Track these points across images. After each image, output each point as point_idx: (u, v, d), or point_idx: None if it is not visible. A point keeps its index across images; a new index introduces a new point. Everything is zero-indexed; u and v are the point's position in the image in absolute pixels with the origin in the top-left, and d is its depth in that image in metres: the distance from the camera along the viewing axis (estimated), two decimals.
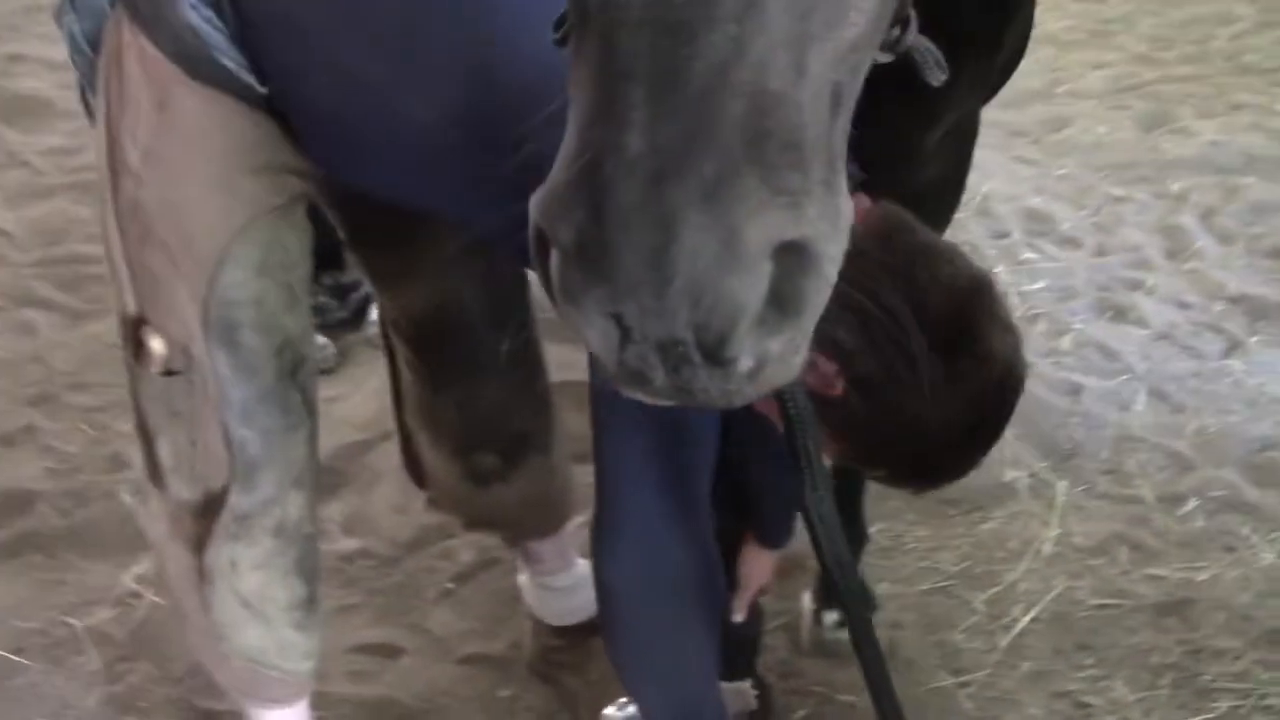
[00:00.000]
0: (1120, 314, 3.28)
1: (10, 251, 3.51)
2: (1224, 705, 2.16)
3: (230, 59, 1.36)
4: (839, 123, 0.77)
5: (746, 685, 1.97)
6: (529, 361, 1.86)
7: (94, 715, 2.10)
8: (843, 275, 0.80)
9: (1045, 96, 4.59)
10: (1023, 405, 2.84)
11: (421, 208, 1.46)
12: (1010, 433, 2.76)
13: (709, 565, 1.37)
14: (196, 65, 1.36)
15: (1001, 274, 3.45)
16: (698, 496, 1.33)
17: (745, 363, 0.76)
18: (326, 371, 3.01)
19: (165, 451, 1.53)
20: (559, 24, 0.81)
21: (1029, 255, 3.56)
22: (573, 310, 0.76)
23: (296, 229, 1.52)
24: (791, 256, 0.73)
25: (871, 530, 2.52)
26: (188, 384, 1.46)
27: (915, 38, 0.90)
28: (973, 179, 3.88)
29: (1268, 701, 2.16)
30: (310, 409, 1.57)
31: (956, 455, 1.32)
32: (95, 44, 1.42)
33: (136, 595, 2.31)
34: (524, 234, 0.78)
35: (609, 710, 1.63)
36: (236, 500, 1.52)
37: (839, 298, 0.81)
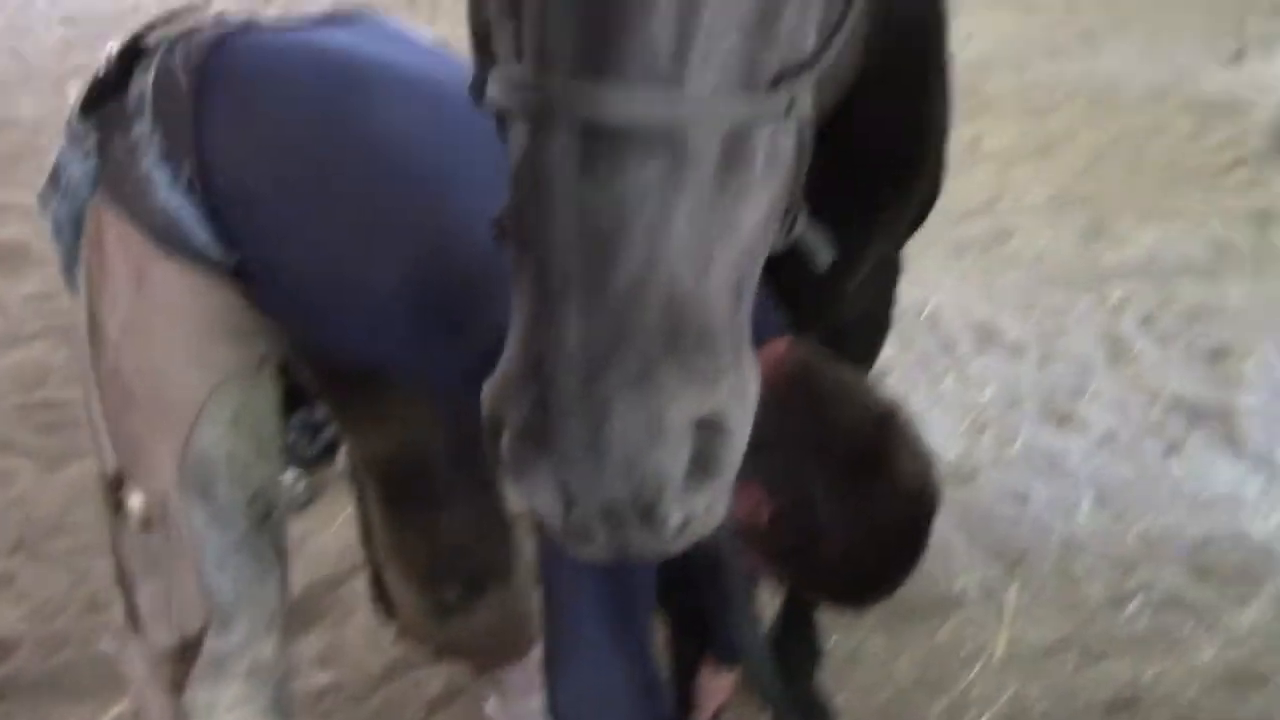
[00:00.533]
0: (1065, 420, 3.41)
1: None
2: None
3: (200, 236, 1.48)
4: (742, 307, 0.91)
5: None
6: (491, 494, 1.96)
7: None
8: (759, 419, 0.95)
9: (989, 211, 4.78)
10: (972, 513, 2.98)
11: (382, 364, 1.58)
12: (960, 540, 2.89)
13: (652, 682, 1.45)
14: (171, 242, 1.48)
15: (950, 384, 3.60)
16: (640, 617, 1.42)
17: (674, 520, 0.89)
18: (299, 507, 3.12)
19: (144, 599, 1.62)
20: (497, 221, 0.94)
21: (977, 366, 3.70)
22: (523, 483, 0.89)
23: (265, 387, 1.64)
24: (708, 429, 0.87)
25: (831, 640, 2.63)
26: (165, 537, 1.56)
27: (802, 228, 1.02)
28: (921, 292, 4.10)
29: None
30: (280, 555, 1.67)
31: (883, 575, 1.42)
32: (76, 225, 1.55)
33: None
34: (479, 387, 0.91)
35: None
36: (212, 644, 1.60)
37: (757, 438, 0.95)
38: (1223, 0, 7.25)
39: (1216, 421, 3.37)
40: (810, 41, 0.93)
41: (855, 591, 1.42)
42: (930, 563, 2.79)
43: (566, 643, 1.40)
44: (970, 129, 5.56)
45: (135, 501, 1.54)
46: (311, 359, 1.73)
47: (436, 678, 2.53)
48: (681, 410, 0.85)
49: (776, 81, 0.89)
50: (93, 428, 1.59)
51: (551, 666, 1.41)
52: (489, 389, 0.91)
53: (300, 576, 2.84)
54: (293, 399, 3.04)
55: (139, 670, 1.69)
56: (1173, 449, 3.26)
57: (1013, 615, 2.69)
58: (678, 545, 0.93)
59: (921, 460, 1.38)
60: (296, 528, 3.03)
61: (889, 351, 3.74)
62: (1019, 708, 2.45)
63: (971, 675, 2.53)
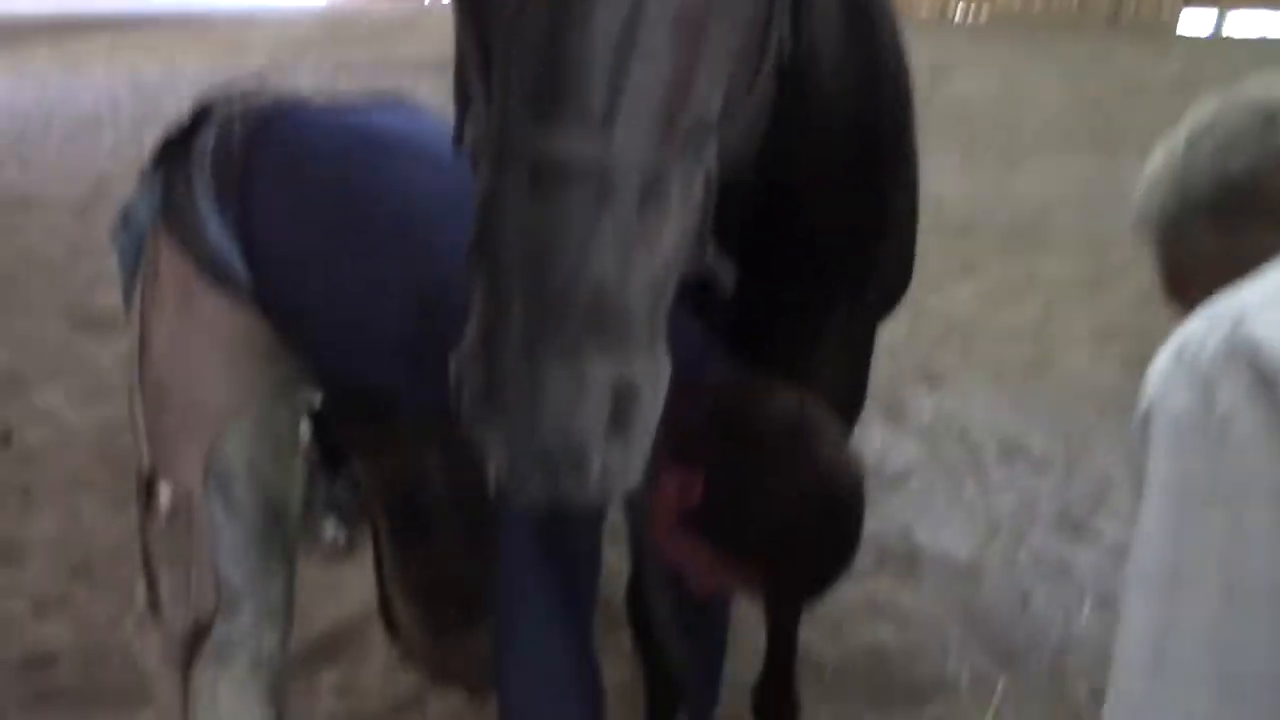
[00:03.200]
0: (1078, 531, 3.51)
1: (70, 444, 3.90)
2: None
3: (239, 268, 1.72)
4: (658, 310, 1.15)
5: None
6: (488, 530, 2.15)
7: None
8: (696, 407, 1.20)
9: (1033, 338, 4.93)
10: (971, 606, 3.08)
11: (383, 389, 1.80)
12: (957, 630, 3.00)
13: (594, 680, 1.61)
14: (215, 272, 1.73)
15: (970, 491, 3.72)
16: (583, 619, 1.59)
17: (596, 468, 1.13)
18: (336, 555, 3.33)
19: (165, 585, 1.83)
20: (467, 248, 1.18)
21: (998, 476, 3.82)
22: (478, 431, 1.15)
23: (288, 407, 1.86)
24: (623, 393, 1.11)
25: (819, 714, 2.74)
26: (188, 526, 1.78)
27: (711, 258, 1.23)
28: (953, 404, 4.23)
29: None
30: (288, 557, 1.87)
31: (816, 563, 1.52)
32: (136, 253, 1.80)
33: None
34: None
35: None
36: (219, 629, 1.80)
37: (687, 429, 1.17)
38: None
39: None
40: (716, 106, 1.16)
41: (792, 580, 1.53)
42: (922, 648, 2.93)
43: (514, 631, 1.57)
44: (1027, 261, 5.75)
45: (164, 495, 1.76)
46: (327, 384, 1.96)
47: (443, 713, 2.69)
48: (600, 374, 1.09)
49: (688, 135, 1.12)
50: (134, 430, 1.83)
51: (501, 653, 1.58)
52: (455, 359, 1.16)
53: (330, 614, 3.06)
54: (339, 459, 3.29)
55: (154, 651, 1.89)
56: None
57: (999, 703, 2.77)
58: (601, 494, 1.16)
59: (838, 446, 1.52)
60: (332, 572, 3.25)
61: (914, 454, 3.92)
62: None
63: None
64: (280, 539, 1.84)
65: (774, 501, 1.47)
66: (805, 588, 1.59)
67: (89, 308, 5.08)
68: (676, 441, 1.41)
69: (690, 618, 2.09)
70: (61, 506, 3.53)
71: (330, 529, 3.36)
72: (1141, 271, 4.85)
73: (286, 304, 1.74)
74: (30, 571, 3.24)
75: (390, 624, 2.31)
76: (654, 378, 1.15)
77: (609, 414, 1.10)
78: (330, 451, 3.37)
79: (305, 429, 3.39)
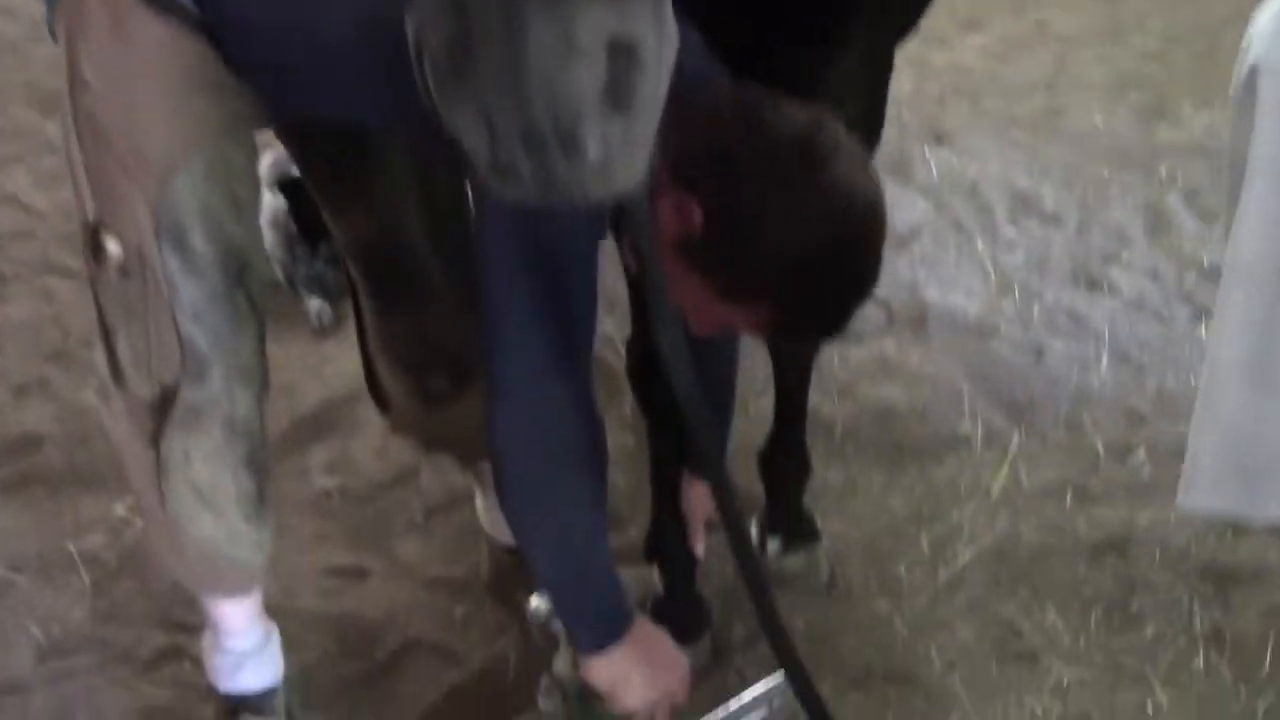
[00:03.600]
0: (1094, 284, 3.37)
1: (38, 227, 3.72)
2: (1150, 631, 2.24)
3: None
4: None
5: (651, 571, 2.08)
6: (473, 284, 2.00)
7: (79, 625, 2.26)
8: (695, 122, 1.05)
9: (1046, 89, 4.68)
10: (983, 362, 2.97)
11: (343, 121, 1.61)
12: (969, 388, 2.89)
13: (592, 427, 1.47)
14: None
15: (981, 247, 3.56)
16: (579, 342, 1.43)
17: (593, 150, 0.95)
18: (322, 332, 3.20)
19: (124, 348, 1.68)
20: None
21: (1010, 231, 3.66)
22: (448, 111, 0.96)
23: (242, 147, 1.67)
24: (621, 55, 0.92)
25: (827, 474, 2.65)
26: (142, 283, 1.61)
27: None
28: (962, 161, 4.04)
29: (1193, 629, 2.24)
30: (257, 313, 1.71)
31: (828, 291, 1.37)
32: None
33: (127, 522, 2.47)
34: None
35: (534, 599, 1.75)
36: (187, 394, 1.66)
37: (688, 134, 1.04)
38: None
39: None
40: None
41: (799, 317, 1.39)
42: (933, 406, 2.82)
43: (506, 375, 1.42)
44: (1036, 14, 5.45)
45: (113, 246, 1.60)
46: (287, 130, 1.77)
47: (437, 486, 2.60)
48: (592, 27, 0.91)
49: None
50: (73, 176, 1.65)
51: (490, 405, 1.44)
52: (412, 19, 0.97)
53: (317, 393, 2.95)
54: (320, 231, 3.11)
55: (122, 425, 1.76)
56: (1202, 315, 3.20)
57: (1013, 458, 2.68)
58: (600, 187, 0.99)
59: (858, 163, 1.35)
60: (318, 350, 3.12)
61: (922, 212, 3.75)
62: (1008, 543, 2.46)
63: (965, 512, 2.54)
64: (245, 295, 1.68)
65: (782, 224, 1.31)
66: (814, 325, 1.44)
67: (52, 88, 4.80)
68: (674, 160, 1.24)
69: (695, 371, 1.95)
70: (33, 291, 3.38)
71: (315, 305, 3.22)
72: (1156, 22, 4.60)
73: (229, 33, 1.54)
74: (7, 357, 3.11)
75: (378, 396, 2.18)
76: (657, 40, 0.96)
77: (605, 82, 0.93)
78: (309, 226, 3.21)
79: (280, 202, 3.24)
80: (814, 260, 1.31)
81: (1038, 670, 2.18)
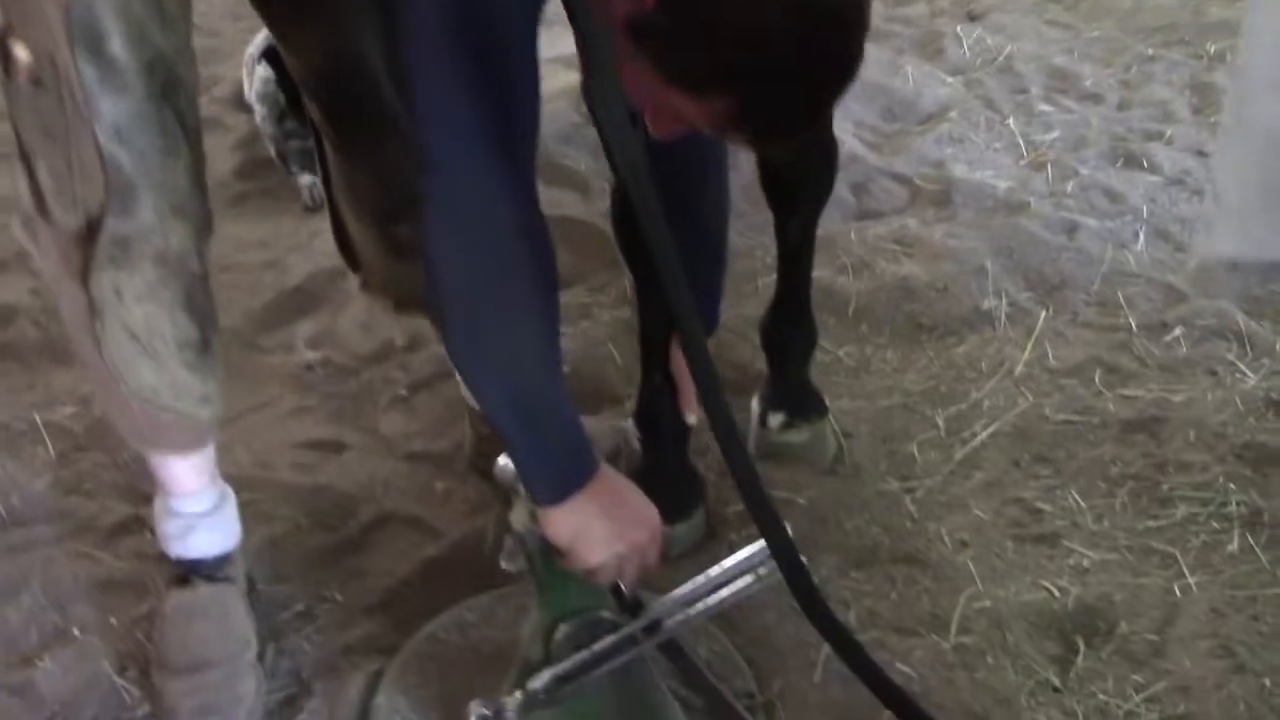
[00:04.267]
0: (1132, 161, 3.15)
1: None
2: (1181, 512, 2.07)
3: None
4: None
5: (627, 425, 1.93)
6: None
7: (42, 495, 2.14)
8: None
9: None
10: (1011, 239, 2.78)
11: None
12: (995, 265, 2.70)
13: (537, 231, 1.31)
14: None
15: (1014, 124, 3.35)
16: (521, 156, 1.28)
17: None
18: (311, 209, 3.05)
19: (45, 175, 1.53)
20: None
21: (1045, 108, 3.44)
22: None
23: None
24: None
25: (839, 352, 2.49)
26: (58, 100, 1.46)
27: None
28: (996, 39, 3.81)
29: (1227, 510, 2.07)
30: (191, 137, 1.56)
31: (792, 79, 1.18)
32: None
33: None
34: None
35: (502, 458, 1.60)
36: (114, 224, 1.51)
37: None
38: None
39: None
40: None
41: (766, 102, 1.19)
42: (955, 283, 2.64)
43: (441, 167, 1.26)
44: None
45: (22, 53, 1.44)
46: None
47: (425, 362, 2.46)
48: None
49: None
50: None
51: (425, 208, 1.27)
52: None
53: (303, 267, 2.81)
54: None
55: (51, 261, 1.62)
56: None
57: (1039, 334, 2.50)
58: None
59: None
60: (307, 226, 2.98)
61: (951, 89, 3.52)
62: (1030, 420, 2.28)
63: (985, 389, 2.36)
64: (174, 114, 1.52)
65: (748, 17, 1.12)
66: (779, 119, 1.23)
67: None
68: None
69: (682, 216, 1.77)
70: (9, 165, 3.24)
71: (307, 180, 3.07)
72: None
73: None
74: None
75: (348, 254, 2.04)
76: None
77: None
78: (300, 99, 3.04)
79: (270, 73, 3.08)
80: (778, 39, 1.12)
81: (1058, 551, 2.01)
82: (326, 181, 1.97)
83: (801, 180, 1.99)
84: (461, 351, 1.34)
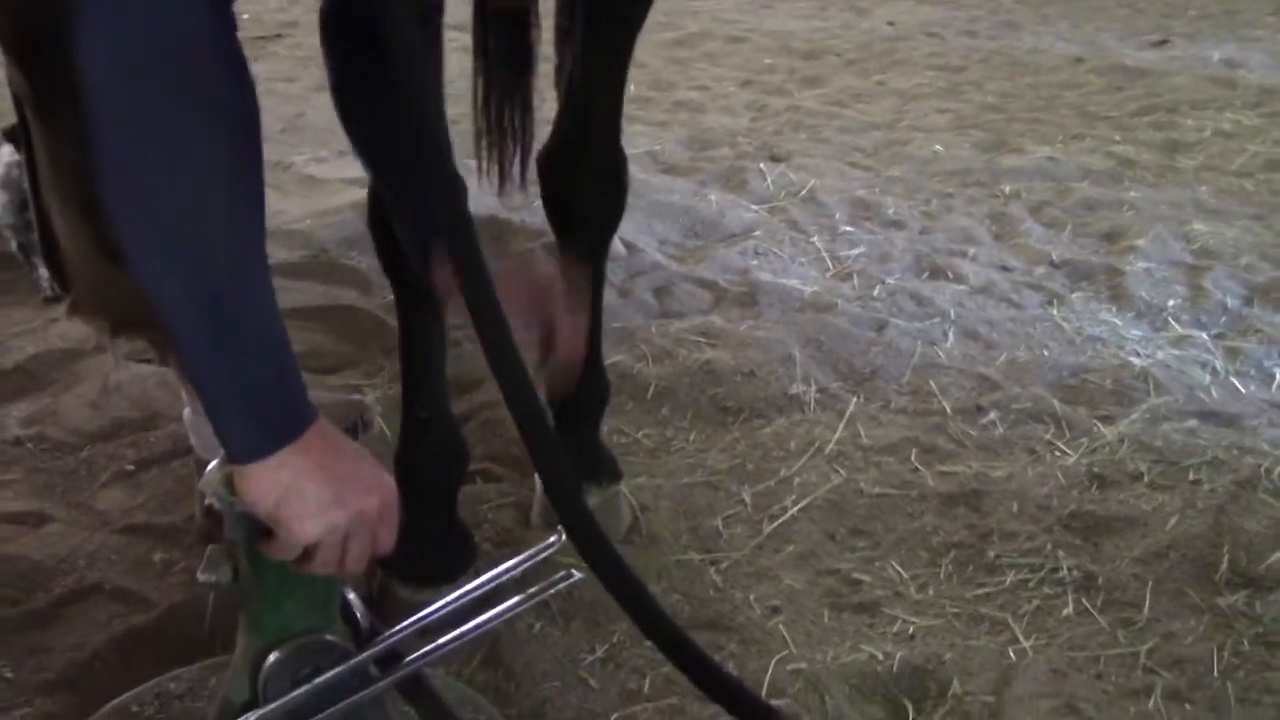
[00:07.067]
0: (938, 273, 3.08)
1: None
2: (1010, 579, 1.87)
3: None
4: None
5: (367, 399, 1.64)
6: None
7: None
8: None
9: (887, 128, 4.49)
10: (819, 332, 2.61)
11: None
12: (804, 355, 2.53)
13: (235, 69, 1.03)
14: None
15: (818, 241, 3.26)
16: None
17: None
18: (51, 299, 2.71)
19: None
20: None
21: (850, 229, 3.37)
22: None
23: None
24: None
25: (637, 434, 2.26)
26: None
27: None
28: (799, 176, 3.76)
29: (1059, 575, 1.88)
30: None
31: None
32: None
33: None
34: None
35: (212, 464, 1.28)
36: None
37: None
38: (1149, 3, 7.11)
39: (1103, 278, 3.05)
40: None
41: None
42: (761, 369, 2.45)
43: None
44: (879, 76, 5.32)
45: None
46: None
47: (156, 440, 2.12)
48: None
49: None
50: None
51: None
52: None
53: (30, 349, 2.47)
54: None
55: None
56: (1054, 300, 2.93)
57: (851, 415, 2.32)
58: None
59: None
60: (42, 315, 2.63)
61: (755, 214, 3.42)
62: (844, 495, 2.07)
63: (795, 466, 2.15)
64: None
65: None
66: None
67: None
68: None
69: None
70: None
71: (46, 274, 2.73)
72: (993, 84, 4.47)
73: None
74: None
75: (59, 272, 1.75)
76: None
77: None
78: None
79: (15, 156, 2.77)
80: None
81: (879, 619, 1.78)
82: (35, 183, 1.71)
83: (586, 194, 1.79)
84: (121, 215, 0.99)
